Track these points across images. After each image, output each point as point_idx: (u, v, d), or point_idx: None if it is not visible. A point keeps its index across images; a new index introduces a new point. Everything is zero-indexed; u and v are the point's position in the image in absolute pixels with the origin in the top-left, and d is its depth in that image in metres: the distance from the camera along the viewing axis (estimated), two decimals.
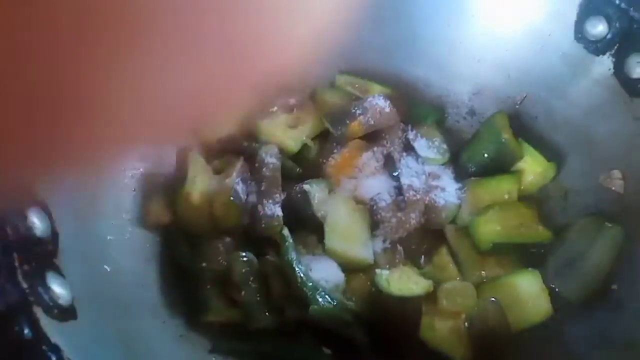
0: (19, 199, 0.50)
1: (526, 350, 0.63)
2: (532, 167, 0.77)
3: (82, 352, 0.43)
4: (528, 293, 0.64)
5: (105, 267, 0.58)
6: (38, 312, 0.43)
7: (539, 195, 0.77)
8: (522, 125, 0.81)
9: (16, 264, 0.45)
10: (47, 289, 0.46)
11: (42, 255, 0.49)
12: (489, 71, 0.85)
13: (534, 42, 0.80)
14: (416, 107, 0.86)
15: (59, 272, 0.49)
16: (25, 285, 0.44)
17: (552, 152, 0.78)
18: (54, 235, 0.52)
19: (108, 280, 0.57)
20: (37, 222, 0.50)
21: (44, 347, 0.41)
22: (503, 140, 0.77)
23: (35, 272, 0.46)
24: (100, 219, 0.62)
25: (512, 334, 0.64)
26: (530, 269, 0.69)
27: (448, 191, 0.75)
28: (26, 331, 0.41)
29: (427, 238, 0.73)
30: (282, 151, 0.77)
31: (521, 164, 0.78)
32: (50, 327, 0.42)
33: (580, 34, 0.75)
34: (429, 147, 0.80)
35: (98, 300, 0.53)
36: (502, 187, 0.75)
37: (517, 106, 0.83)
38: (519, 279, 0.67)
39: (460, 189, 0.76)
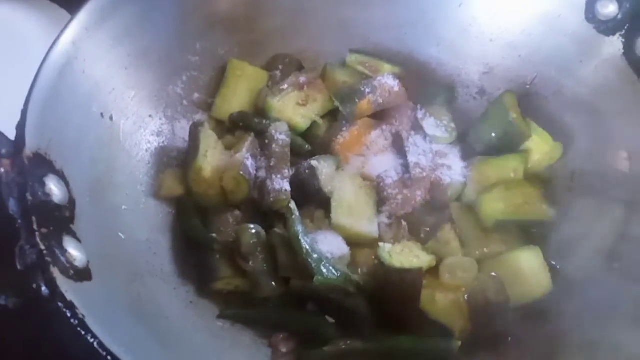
0: (37, 166, 0.53)
1: (524, 324, 0.65)
2: (539, 147, 0.77)
3: (95, 311, 0.45)
4: (529, 269, 0.66)
5: (120, 234, 0.61)
6: (55, 272, 0.46)
7: (545, 174, 0.78)
8: (532, 105, 0.82)
9: (35, 227, 0.48)
10: (64, 251, 0.49)
11: (60, 220, 0.52)
12: (500, 51, 0.85)
13: (544, 23, 0.80)
14: (427, 87, 0.86)
15: (75, 236, 0.52)
16: (43, 247, 0.47)
17: (560, 132, 0.79)
18: (71, 202, 0.55)
19: (122, 247, 0.60)
20: (55, 189, 0.53)
21: (59, 304, 0.44)
22: (511, 119, 0.77)
23: (52, 235, 0.49)
24: (115, 190, 0.65)
25: (511, 308, 0.65)
26: (532, 246, 0.70)
27: (454, 169, 0.76)
28: (44, 288, 0.44)
29: (432, 214, 0.74)
30: (292, 128, 0.79)
31: (528, 144, 0.78)
32: (66, 286, 0.45)
33: (591, 14, 0.75)
34: (437, 126, 0.81)
35: (112, 265, 0.56)
36: (508, 166, 0.76)
37: (527, 86, 0.84)
38: (520, 255, 0.68)
39: (466, 167, 0.77)
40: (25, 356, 0.64)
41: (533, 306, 0.66)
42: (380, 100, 0.81)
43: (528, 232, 0.72)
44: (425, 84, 0.87)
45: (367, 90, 0.80)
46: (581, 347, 0.60)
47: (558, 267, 0.68)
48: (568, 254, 0.68)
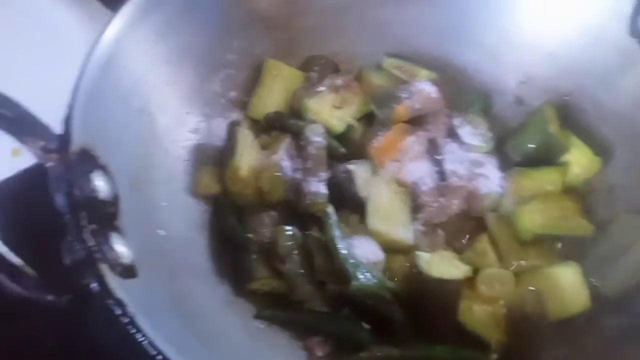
0: (83, 162, 0.53)
1: (561, 339, 0.64)
2: (578, 160, 0.76)
3: (141, 308, 0.45)
4: (568, 285, 0.65)
5: (160, 231, 0.61)
6: (104, 268, 0.46)
7: (584, 188, 0.77)
8: (570, 116, 0.81)
9: (83, 222, 0.48)
10: (111, 247, 0.49)
11: (106, 216, 0.52)
12: (539, 61, 0.84)
13: (586, 34, 0.79)
14: (463, 94, 0.86)
15: (120, 233, 0.52)
16: (91, 243, 0.47)
17: (599, 146, 0.78)
18: (115, 198, 0.55)
19: (162, 244, 0.60)
20: (101, 185, 0.53)
21: (110, 301, 0.43)
22: (550, 131, 0.76)
23: (100, 232, 0.49)
24: (154, 186, 0.65)
25: (549, 323, 0.65)
26: (571, 262, 0.69)
27: (491, 179, 0.75)
28: (94, 285, 0.44)
29: (467, 224, 0.73)
30: (328, 130, 0.78)
31: (567, 156, 0.77)
32: (114, 283, 0.45)
33: (634, 28, 0.74)
34: (473, 134, 0.80)
35: (154, 262, 0.56)
36: (546, 179, 0.75)
37: (565, 97, 0.82)
38: (559, 271, 0.67)
39: (503, 177, 0.76)
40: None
41: (569, 322, 0.65)
42: (418, 106, 0.80)
43: (566, 247, 0.71)
44: (461, 90, 0.86)
45: (405, 95, 0.80)
46: None
47: (596, 284, 0.66)
48: (607, 271, 0.67)
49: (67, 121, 0.54)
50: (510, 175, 0.76)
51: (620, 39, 0.76)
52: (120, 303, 0.44)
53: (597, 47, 0.78)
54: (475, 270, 0.67)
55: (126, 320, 0.43)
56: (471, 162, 0.77)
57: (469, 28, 0.86)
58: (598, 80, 0.80)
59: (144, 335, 0.42)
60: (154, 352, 0.41)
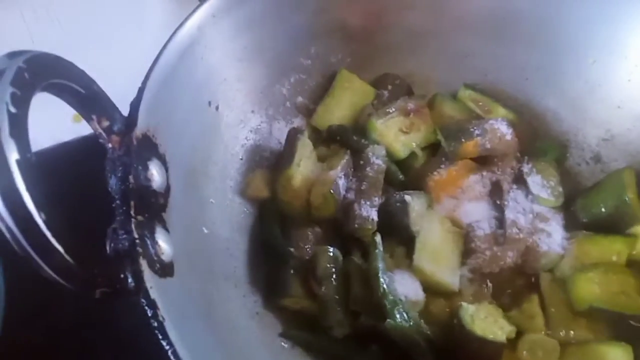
0: (143, 148, 0.52)
1: None
2: None
3: (173, 310, 0.44)
4: None
5: (204, 229, 0.60)
6: (143, 264, 0.44)
7: None
8: None
9: (132, 212, 0.47)
10: (155, 242, 0.47)
11: (155, 208, 0.51)
12: (626, 120, 0.79)
13: None
14: (538, 140, 0.81)
15: (165, 227, 0.51)
16: (136, 235, 0.46)
17: None
18: (167, 189, 0.54)
19: (204, 242, 0.59)
20: (155, 175, 0.52)
21: (142, 300, 0.42)
22: (626, 198, 0.71)
23: (147, 224, 0.48)
24: (208, 181, 0.64)
25: None
26: (623, 342, 0.63)
27: (554, 238, 0.71)
28: (130, 280, 0.43)
29: (519, 281, 0.69)
30: (389, 154, 0.75)
31: (637, 228, 0.72)
32: (151, 282, 0.44)
33: None
34: (542, 186, 0.75)
35: (192, 260, 0.55)
36: (612, 248, 0.70)
37: None
38: (609, 349, 0.62)
39: (567, 238, 0.71)
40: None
41: None
42: (489, 146, 0.76)
43: (622, 325, 0.66)
44: (537, 136, 0.82)
45: (477, 132, 0.76)
46: None
47: None
48: None
49: (136, 104, 0.53)
50: (575, 237, 0.71)
51: None
52: (153, 305, 0.42)
53: None
54: (519, 333, 0.63)
55: (155, 324, 0.41)
56: (535, 215, 0.73)
57: (555, 72, 0.81)
58: None
59: (169, 344, 0.41)
60: None
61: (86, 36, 0.86)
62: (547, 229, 0.71)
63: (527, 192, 0.74)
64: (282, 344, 0.61)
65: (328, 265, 0.64)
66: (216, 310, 0.54)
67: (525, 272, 0.70)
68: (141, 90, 0.54)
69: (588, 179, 0.80)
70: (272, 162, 0.74)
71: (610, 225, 0.72)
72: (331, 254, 0.65)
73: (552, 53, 0.81)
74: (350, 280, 0.64)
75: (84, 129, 0.81)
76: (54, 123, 0.75)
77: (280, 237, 0.67)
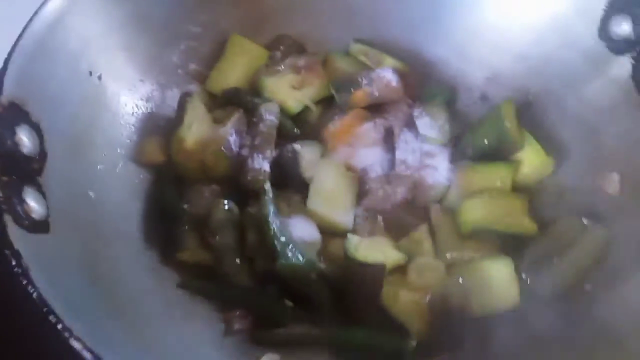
0: (11, 115, 0.53)
1: (486, 335, 0.63)
2: (531, 159, 0.76)
3: (42, 263, 0.45)
4: (497, 279, 0.64)
5: (90, 193, 0.61)
6: (8, 220, 0.46)
7: (534, 188, 0.76)
8: (531, 116, 0.80)
9: None
10: (22, 200, 0.49)
11: (25, 171, 0.52)
12: (507, 59, 0.83)
13: (556, 35, 0.78)
14: (428, 86, 0.85)
15: (39, 189, 0.52)
16: (0, 194, 0.47)
17: (555, 148, 0.77)
18: (42, 155, 0.55)
19: (90, 205, 0.60)
20: (25, 140, 0.53)
21: (5, 251, 0.44)
22: (504, 127, 0.76)
23: (13, 184, 0.49)
24: (94, 149, 0.65)
25: (474, 317, 0.64)
26: (503, 256, 0.68)
27: (440, 171, 0.75)
28: None
29: (410, 214, 0.73)
30: (283, 110, 0.78)
31: (520, 155, 0.77)
32: (16, 235, 0.45)
33: (603, 31, 0.73)
34: (431, 126, 0.79)
35: (75, 221, 0.56)
36: (495, 174, 0.74)
37: (529, 97, 0.81)
38: (490, 264, 0.66)
39: (452, 170, 0.76)
40: None
41: (498, 318, 0.65)
42: (376, 93, 0.79)
43: (505, 243, 0.70)
44: (427, 82, 0.86)
45: (364, 81, 0.79)
46: None
47: (529, 281, 0.66)
48: (542, 270, 0.66)
49: (1, 74, 0.54)
50: (460, 168, 0.75)
51: (590, 42, 0.74)
52: (16, 254, 0.44)
53: (566, 50, 0.77)
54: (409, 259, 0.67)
55: (19, 270, 0.43)
56: (423, 153, 0.77)
57: (439, 22, 0.85)
58: (564, 83, 0.78)
59: (34, 287, 0.42)
60: (41, 304, 0.41)
61: None
62: (433, 164, 0.75)
63: (417, 133, 0.78)
64: (179, 294, 0.63)
65: (221, 217, 0.66)
66: (103, 267, 0.56)
67: (417, 205, 0.74)
68: (6, 61, 0.55)
69: (477, 117, 0.84)
70: (166, 128, 0.75)
71: (495, 155, 0.77)
72: (226, 206, 0.67)
73: (436, 3, 0.85)
74: (246, 230, 0.66)
75: None
76: None
77: (175, 197, 0.69)
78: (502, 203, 0.72)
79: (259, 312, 0.63)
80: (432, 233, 0.70)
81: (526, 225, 0.71)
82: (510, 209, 0.72)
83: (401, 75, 0.82)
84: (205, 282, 0.64)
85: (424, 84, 0.85)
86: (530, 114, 0.80)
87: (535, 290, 0.65)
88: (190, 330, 0.60)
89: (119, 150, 0.70)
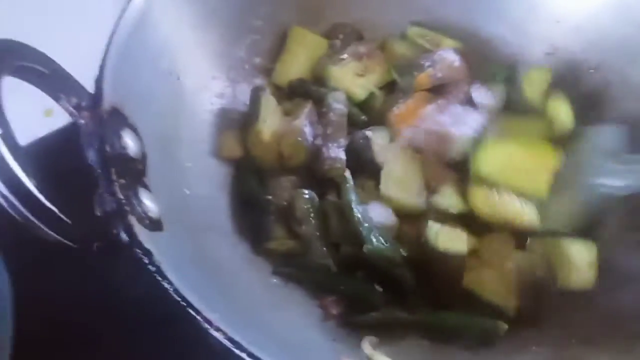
0: (114, 120, 0.56)
1: (569, 307, 0.65)
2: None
3: (167, 259, 0.48)
4: (578, 259, 0.65)
5: (185, 190, 0.64)
6: (132, 220, 0.49)
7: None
8: (593, 88, 0.80)
9: (113, 177, 0.51)
10: (140, 201, 0.52)
11: (135, 172, 0.55)
12: (566, 33, 0.83)
13: (615, 9, 0.78)
14: (486, 65, 0.86)
15: (148, 188, 0.55)
16: (121, 196, 0.50)
17: (622, 120, 0.77)
18: (144, 156, 0.58)
19: (187, 202, 0.64)
20: (130, 143, 0.56)
21: (138, 250, 0.47)
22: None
23: (129, 186, 0.52)
24: (180, 147, 0.68)
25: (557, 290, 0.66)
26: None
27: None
28: (123, 235, 0.48)
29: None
30: (349, 98, 0.79)
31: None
32: (143, 235, 0.48)
33: None
34: (487, 96, 0.80)
35: (179, 218, 0.59)
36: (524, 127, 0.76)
37: (591, 70, 0.82)
38: (569, 243, 0.67)
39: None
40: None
41: (578, 292, 0.67)
42: (440, 75, 0.80)
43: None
44: (486, 61, 0.86)
45: (427, 63, 0.80)
46: (624, 338, 0.60)
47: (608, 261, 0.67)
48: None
49: (99, 80, 0.57)
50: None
51: None
52: (147, 253, 0.47)
53: (625, 24, 0.78)
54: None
55: (153, 268, 0.46)
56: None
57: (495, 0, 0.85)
58: (624, 56, 0.79)
59: (170, 283, 0.45)
60: (178, 299, 0.44)
61: (40, 21, 0.87)
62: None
63: (475, 108, 0.79)
64: (276, 281, 0.67)
65: (305, 207, 0.69)
66: (209, 258, 0.59)
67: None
68: (101, 67, 0.58)
69: None
70: (241, 122, 0.78)
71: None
72: (307, 196, 0.70)
73: None
74: (328, 217, 0.69)
75: (56, 121, 0.84)
76: (26, 121, 0.77)
77: (258, 189, 0.71)
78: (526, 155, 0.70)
79: (352, 297, 0.66)
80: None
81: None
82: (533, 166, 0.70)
83: (461, 55, 0.83)
84: (296, 269, 0.67)
85: (483, 63, 0.86)
86: (592, 87, 0.81)
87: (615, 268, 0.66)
88: (291, 316, 0.63)
89: (201, 146, 0.72)
